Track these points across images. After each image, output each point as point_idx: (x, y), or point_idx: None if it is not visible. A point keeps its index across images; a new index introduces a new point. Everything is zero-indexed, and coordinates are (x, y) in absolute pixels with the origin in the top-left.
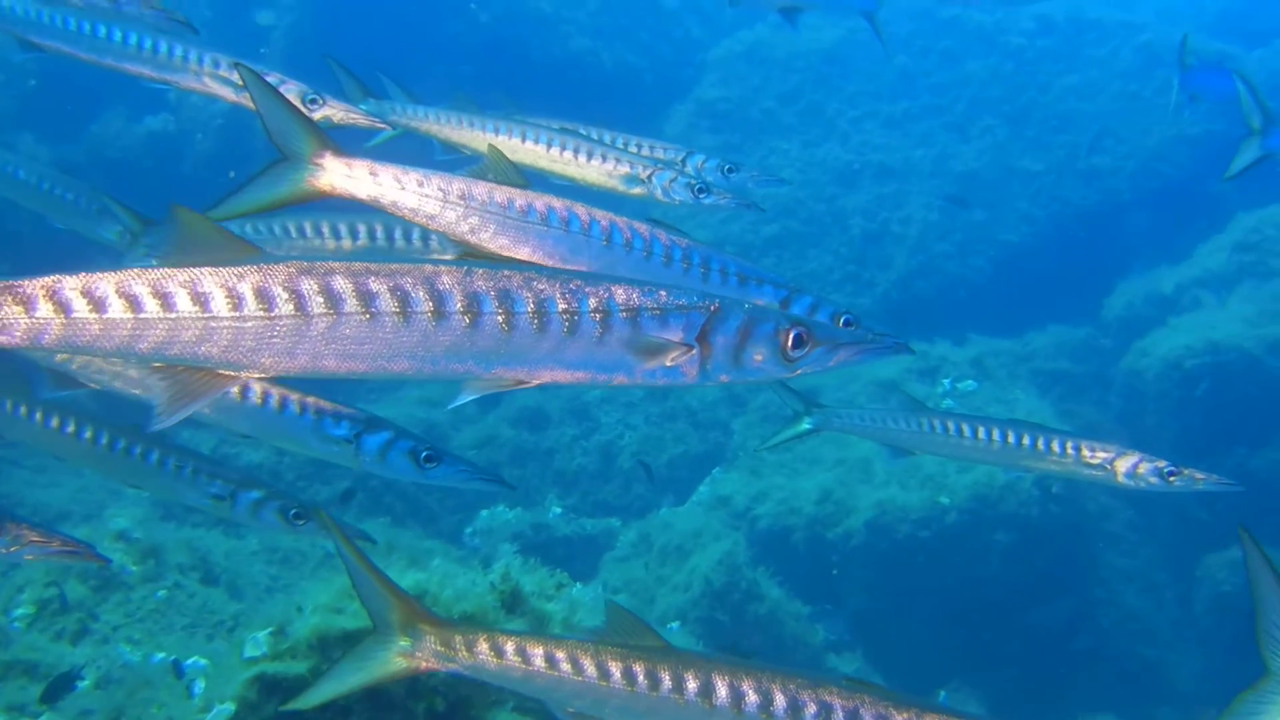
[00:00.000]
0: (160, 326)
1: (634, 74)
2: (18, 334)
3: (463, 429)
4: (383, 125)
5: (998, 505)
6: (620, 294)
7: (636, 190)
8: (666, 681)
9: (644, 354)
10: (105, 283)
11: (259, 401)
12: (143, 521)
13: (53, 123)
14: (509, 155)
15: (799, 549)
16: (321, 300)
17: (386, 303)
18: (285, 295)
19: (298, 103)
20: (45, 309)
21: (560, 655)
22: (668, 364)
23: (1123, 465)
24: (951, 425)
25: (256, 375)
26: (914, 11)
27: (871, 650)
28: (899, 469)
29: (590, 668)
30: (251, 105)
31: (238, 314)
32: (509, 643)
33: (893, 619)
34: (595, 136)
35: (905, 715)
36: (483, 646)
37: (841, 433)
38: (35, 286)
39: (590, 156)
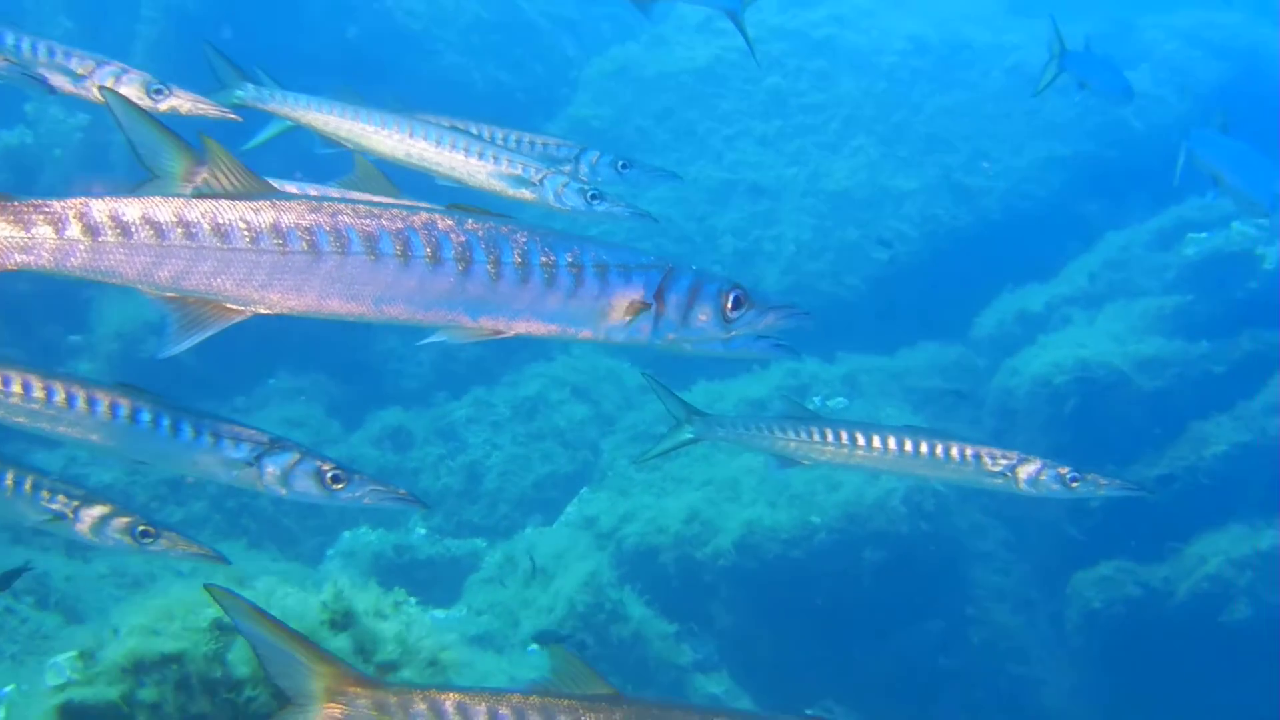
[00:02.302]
0: (181, 255)
1: (506, 92)
2: (45, 255)
3: (324, 450)
4: (234, 116)
5: (867, 523)
6: (590, 250)
7: (526, 193)
8: None
9: (609, 309)
10: (132, 208)
11: (151, 425)
12: None
13: None
14: (394, 151)
15: (667, 569)
16: (331, 239)
17: (389, 245)
18: (299, 231)
19: (141, 92)
20: (74, 230)
21: (504, 712)
22: (627, 320)
23: (1024, 472)
24: (845, 433)
25: (264, 311)
26: (786, 31)
27: (739, 670)
28: (768, 489)
29: None
30: (90, 97)
31: (254, 247)
32: (448, 700)
33: (762, 638)
34: (486, 134)
35: None
36: (420, 707)
37: (725, 442)
38: (65, 207)
39: (481, 156)
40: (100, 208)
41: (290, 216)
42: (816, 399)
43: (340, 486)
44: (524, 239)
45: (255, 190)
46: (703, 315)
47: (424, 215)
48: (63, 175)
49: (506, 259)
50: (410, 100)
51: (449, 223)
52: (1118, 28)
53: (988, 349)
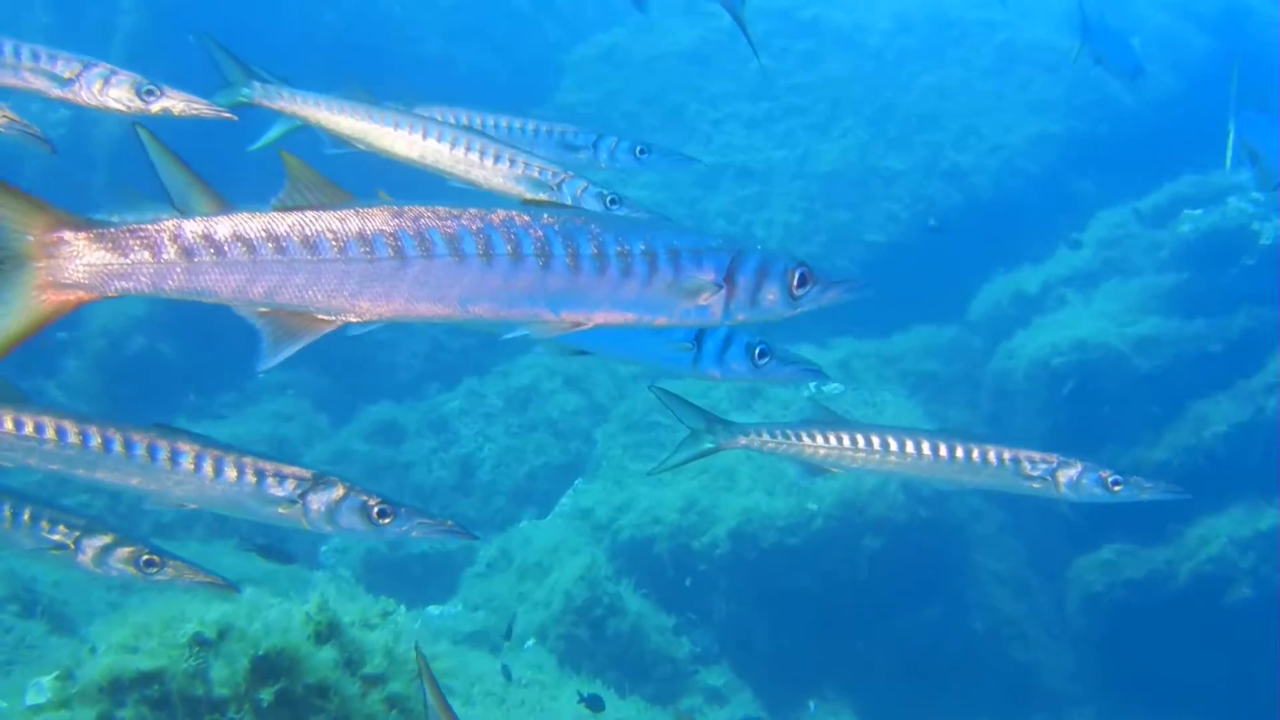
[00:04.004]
0: (274, 270)
1: (491, 77)
2: (144, 280)
3: (315, 445)
4: (230, 116)
5: (865, 510)
6: (662, 235)
7: (543, 197)
8: None
9: (683, 294)
10: (223, 226)
11: (192, 466)
12: None
13: None
14: (407, 152)
15: (663, 560)
16: (416, 242)
17: (472, 244)
18: (385, 238)
19: (131, 94)
20: (170, 253)
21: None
22: (700, 304)
23: (1064, 475)
24: (876, 439)
25: (353, 319)
26: (772, 11)
27: (739, 661)
28: (764, 476)
29: None
30: (79, 101)
31: (343, 257)
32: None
33: (761, 629)
34: (503, 124)
35: None
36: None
37: (749, 450)
38: (159, 231)
39: (497, 159)
40: (193, 229)
41: (375, 224)
42: (811, 385)
43: (387, 521)
44: (598, 229)
45: (338, 200)
46: (770, 294)
47: (502, 213)
48: (44, 170)
49: (584, 251)
50: (416, 90)
51: (526, 218)
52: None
53: (983, 330)
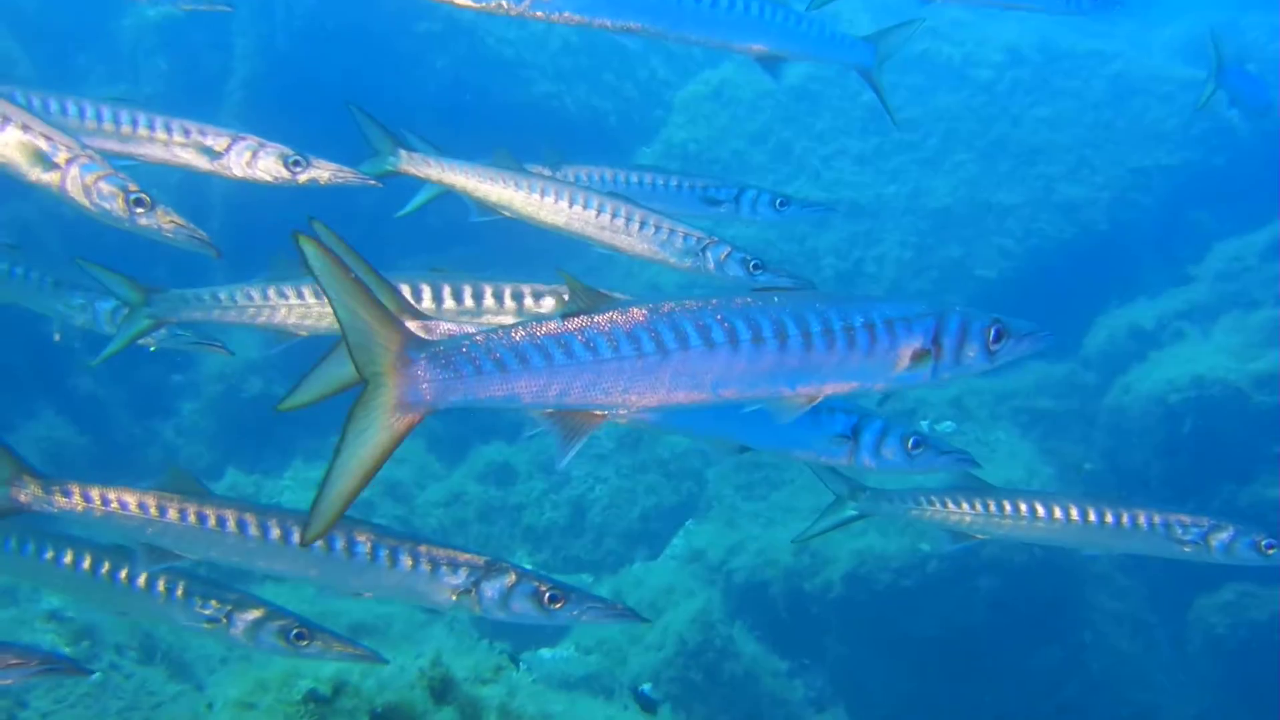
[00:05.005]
0: (567, 372)
1: (599, 116)
2: (471, 392)
3: (429, 486)
4: (376, 183)
5: (980, 550)
6: (877, 308)
7: (688, 263)
8: None
9: (897, 360)
10: (525, 337)
11: (369, 556)
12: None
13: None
14: (554, 219)
15: (776, 602)
16: (674, 337)
17: (720, 333)
18: (649, 335)
19: (279, 165)
20: (490, 365)
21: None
22: (910, 367)
23: (1216, 540)
24: (1023, 505)
25: (622, 412)
26: None
27: (854, 706)
28: (878, 516)
29: None
30: (229, 174)
31: (617, 355)
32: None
33: (875, 672)
34: (646, 180)
35: None
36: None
37: (891, 518)
38: (479, 347)
39: (642, 225)
40: (502, 343)
41: (638, 323)
42: (924, 423)
43: (559, 605)
44: (823, 307)
45: (602, 303)
46: (971, 352)
47: (738, 300)
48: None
49: (814, 329)
50: (496, 136)
51: (759, 304)
52: (1222, 27)
53: (1098, 366)
